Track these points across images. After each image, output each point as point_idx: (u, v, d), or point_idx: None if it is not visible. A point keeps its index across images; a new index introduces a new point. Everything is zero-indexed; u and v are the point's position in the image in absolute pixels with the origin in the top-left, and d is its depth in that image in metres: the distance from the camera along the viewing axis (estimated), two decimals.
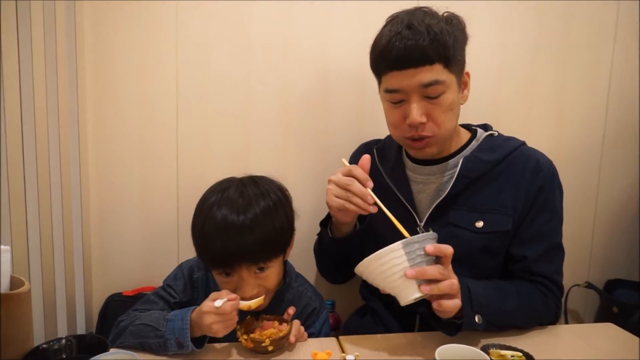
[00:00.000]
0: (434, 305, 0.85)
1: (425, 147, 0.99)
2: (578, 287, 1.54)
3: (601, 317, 1.55)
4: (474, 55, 1.37)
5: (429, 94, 0.94)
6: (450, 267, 0.86)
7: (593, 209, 1.57)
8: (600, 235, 1.59)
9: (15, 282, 0.79)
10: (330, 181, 0.96)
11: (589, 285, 1.54)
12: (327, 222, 1.11)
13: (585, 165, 1.54)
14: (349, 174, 0.93)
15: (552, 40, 1.44)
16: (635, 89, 1.51)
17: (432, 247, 0.82)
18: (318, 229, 1.35)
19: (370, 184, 0.92)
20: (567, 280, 1.53)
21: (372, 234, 1.03)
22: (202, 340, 0.88)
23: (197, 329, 0.86)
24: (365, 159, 0.95)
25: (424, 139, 0.98)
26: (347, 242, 1.07)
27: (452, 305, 0.84)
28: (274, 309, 0.99)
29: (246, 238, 0.88)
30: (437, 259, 0.84)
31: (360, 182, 0.92)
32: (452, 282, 0.83)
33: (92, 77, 1.21)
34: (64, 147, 1.13)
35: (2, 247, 0.78)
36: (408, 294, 0.83)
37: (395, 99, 0.97)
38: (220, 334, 0.85)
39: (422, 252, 0.82)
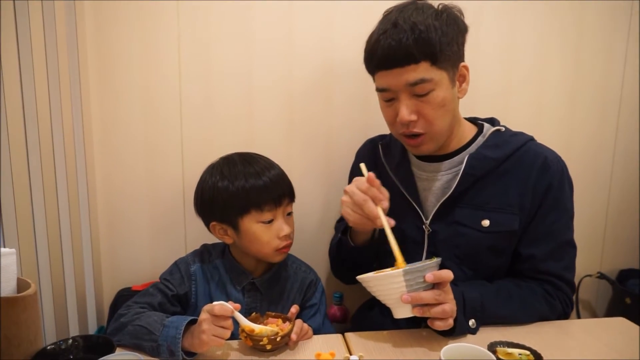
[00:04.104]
0: (428, 322, 0.88)
1: (421, 144, 0.98)
2: (590, 277, 1.52)
3: (614, 308, 1.53)
4: (483, 45, 1.35)
5: (417, 92, 0.93)
6: (448, 288, 0.87)
7: (606, 198, 1.54)
8: (613, 225, 1.56)
9: (21, 285, 0.79)
10: (345, 192, 0.95)
11: (601, 276, 1.52)
12: (346, 229, 1.10)
13: (598, 154, 1.51)
14: (365, 192, 0.91)
15: (564, 28, 1.40)
16: None
17: (431, 275, 0.84)
18: (323, 223, 1.35)
19: (385, 204, 0.91)
20: (579, 271, 1.49)
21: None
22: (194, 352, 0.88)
23: (190, 339, 0.85)
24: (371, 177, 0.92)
25: (418, 137, 0.97)
26: (367, 249, 1.07)
27: (444, 326, 0.87)
28: (273, 286, 1.08)
29: (285, 178, 1.05)
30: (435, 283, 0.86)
31: (374, 201, 0.91)
32: (443, 308, 0.85)
33: (95, 76, 1.21)
34: (69, 144, 1.13)
35: (5, 249, 0.78)
36: (402, 311, 0.88)
37: (386, 97, 0.98)
38: (205, 337, 0.82)
39: (422, 280, 0.85)
